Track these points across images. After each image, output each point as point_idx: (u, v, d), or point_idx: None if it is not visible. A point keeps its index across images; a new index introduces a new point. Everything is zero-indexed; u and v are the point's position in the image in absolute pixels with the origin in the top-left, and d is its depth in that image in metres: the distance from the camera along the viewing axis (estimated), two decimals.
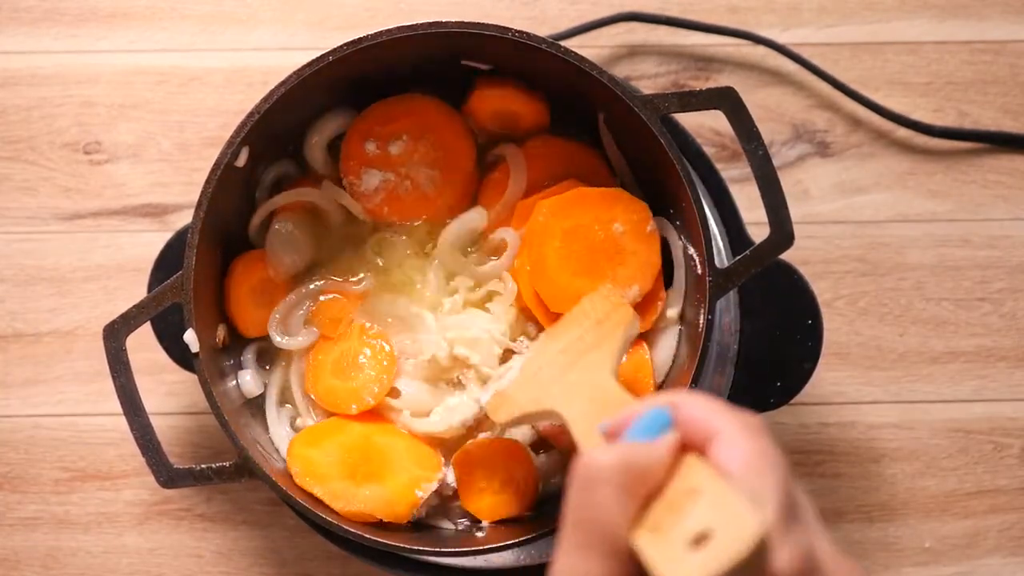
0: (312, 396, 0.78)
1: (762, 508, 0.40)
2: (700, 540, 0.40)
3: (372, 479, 0.74)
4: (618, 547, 0.42)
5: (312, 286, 0.79)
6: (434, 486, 0.75)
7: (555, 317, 0.74)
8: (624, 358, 0.69)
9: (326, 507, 0.73)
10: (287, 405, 0.79)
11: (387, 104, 0.78)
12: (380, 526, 0.74)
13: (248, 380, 0.78)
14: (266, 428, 0.78)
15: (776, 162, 0.88)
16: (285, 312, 0.78)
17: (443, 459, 0.76)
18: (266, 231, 0.79)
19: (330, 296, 0.79)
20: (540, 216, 0.75)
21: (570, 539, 0.43)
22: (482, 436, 0.77)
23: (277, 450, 0.77)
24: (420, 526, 0.76)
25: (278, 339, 0.77)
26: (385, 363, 0.77)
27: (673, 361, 0.77)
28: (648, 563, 0.41)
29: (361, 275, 0.79)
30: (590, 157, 0.79)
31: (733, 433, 0.44)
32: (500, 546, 0.71)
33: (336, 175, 0.80)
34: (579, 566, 0.42)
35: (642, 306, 0.75)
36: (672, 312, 0.76)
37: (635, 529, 0.42)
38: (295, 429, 0.78)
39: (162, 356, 0.79)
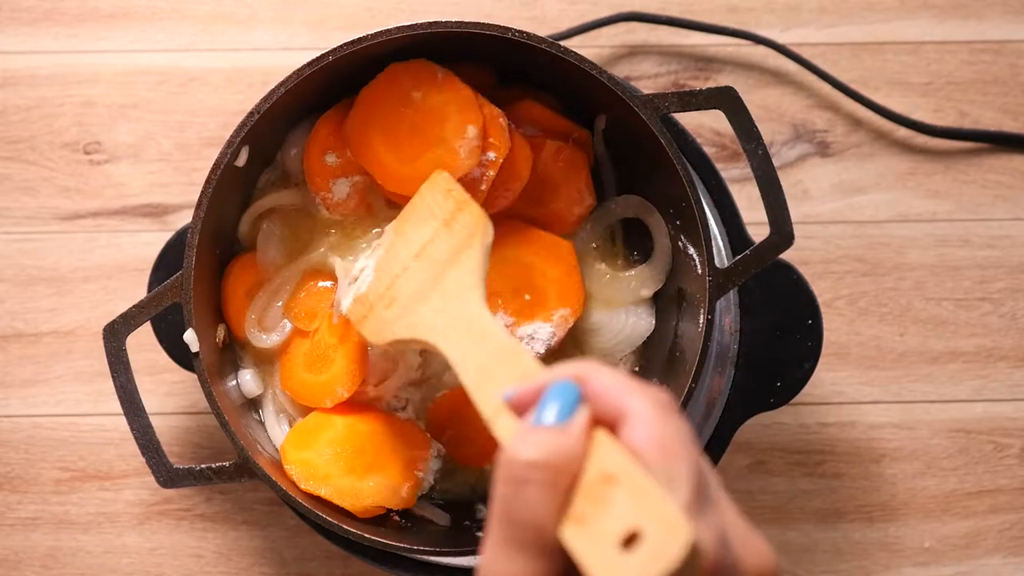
0: (287, 392, 0.77)
1: (679, 495, 0.40)
2: (630, 540, 0.40)
3: (372, 470, 0.74)
4: (547, 543, 0.42)
5: (280, 280, 0.78)
6: (432, 463, 0.75)
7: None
8: (486, 270, 0.66)
9: (335, 508, 0.73)
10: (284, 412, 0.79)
11: (328, 115, 0.78)
12: (380, 525, 0.74)
13: (248, 380, 0.78)
14: (265, 428, 0.78)
15: (776, 162, 0.88)
16: (260, 310, 0.78)
17: (429, 434, 0.77)
18: (256, 232, 0.79)
19: (304, 292, 0.78)
20: None
21: (499, 536, 0.42)
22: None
23: (276, 450, 0.77)
24: (420, 526, 0.77)
25: (254, 337, 0.77)
26: (356, 352, 0.76)
27: (647, 341, 0.77)
28: (581, 564, 0.41)
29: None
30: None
31: (645, 413, 0.43)
32: None
33: None
34: (507, 564, 0.42)
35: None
36: (645, 292, 0.77)
37: (562, 522, 0.42)
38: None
39: (162, 356, 0.79)
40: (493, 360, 0.56)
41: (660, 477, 0.41)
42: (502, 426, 0.50)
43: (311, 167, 0.78)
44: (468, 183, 0.74)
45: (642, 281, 0.78)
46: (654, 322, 0.78)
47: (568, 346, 0.78)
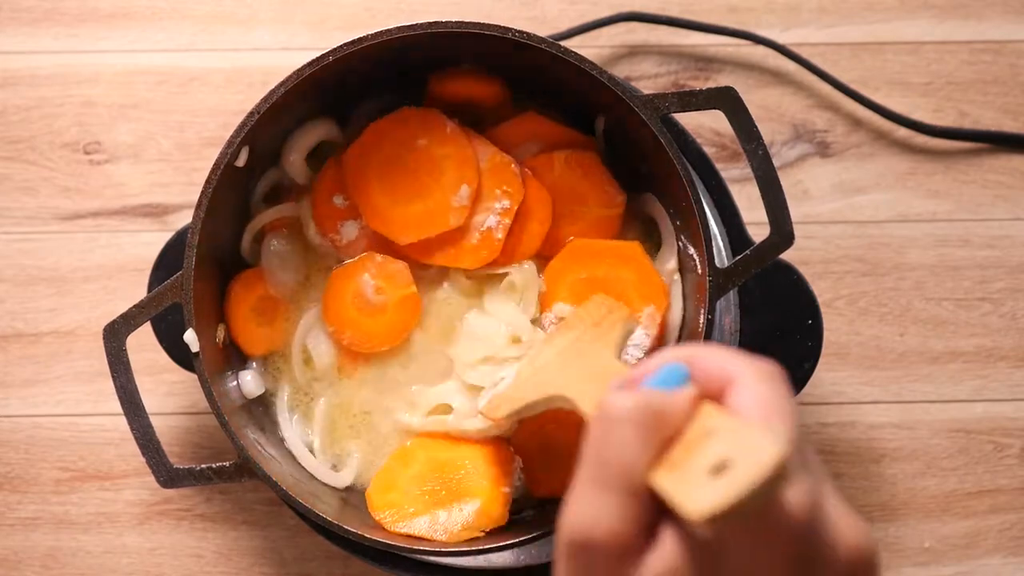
0: (332, 328, 0.77)
1: (778, 438, 0.40)
2: (719, 469, 0.40)
3: (459, 497, 0.74)
4: (634, 485, 0.42)
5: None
6: (518, 477, 0.75)
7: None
8: (623, 347, 0.69)
9: (429, 541, 0.72)
10: (296, 414, 0.79)
11: (336, 158, 0.78)
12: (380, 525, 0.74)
13: (249, 380, 0.78)
14: (263, 429, 0.78)
15: (776, 162, 0.88)
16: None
17: (508, 445, 0.76)
18: (259, 245, 0.79)
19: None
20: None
21: (587, 474, 0.43)
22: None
23: (290, 453, 0.77)
24: None
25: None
26: (410, 308, 0.76)
27: (683, 318, 0.77)
28: (667, 495, 0.41)
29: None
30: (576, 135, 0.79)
31: (749, 379, 0.44)
32: (500, 546, 0.71)
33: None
34: (594, 501, 0.42)
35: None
36: (670, 265, 0.77)
37: (653, 469, 0.42)
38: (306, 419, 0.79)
39: (162, 356, 0.79)
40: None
41: (762, 427, 0.41)
42: None
43: (319, 210, 0.78)
44: (484, 233, 0.75)
45: (664, 258, 0.78)
46: (683, 304, 0.78)
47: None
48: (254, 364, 0.79)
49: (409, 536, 0.73)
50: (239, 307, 0.78)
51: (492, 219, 0.75)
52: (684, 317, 0.77)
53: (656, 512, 0.42)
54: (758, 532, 0.40)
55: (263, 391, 0.79)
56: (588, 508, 0.42)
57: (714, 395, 0.45)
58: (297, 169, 0.79)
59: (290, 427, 0.78)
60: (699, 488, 0.40)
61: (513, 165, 0.75)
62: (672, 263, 0.77)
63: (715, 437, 0.42)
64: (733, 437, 0.41)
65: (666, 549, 0.41)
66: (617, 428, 0.42)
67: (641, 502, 0.42)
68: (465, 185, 0.75)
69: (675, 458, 0.42)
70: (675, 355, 0.46)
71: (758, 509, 0.39)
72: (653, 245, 0.79)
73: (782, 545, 0.40)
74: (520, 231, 0.76)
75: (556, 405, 0.65)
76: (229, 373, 0.78)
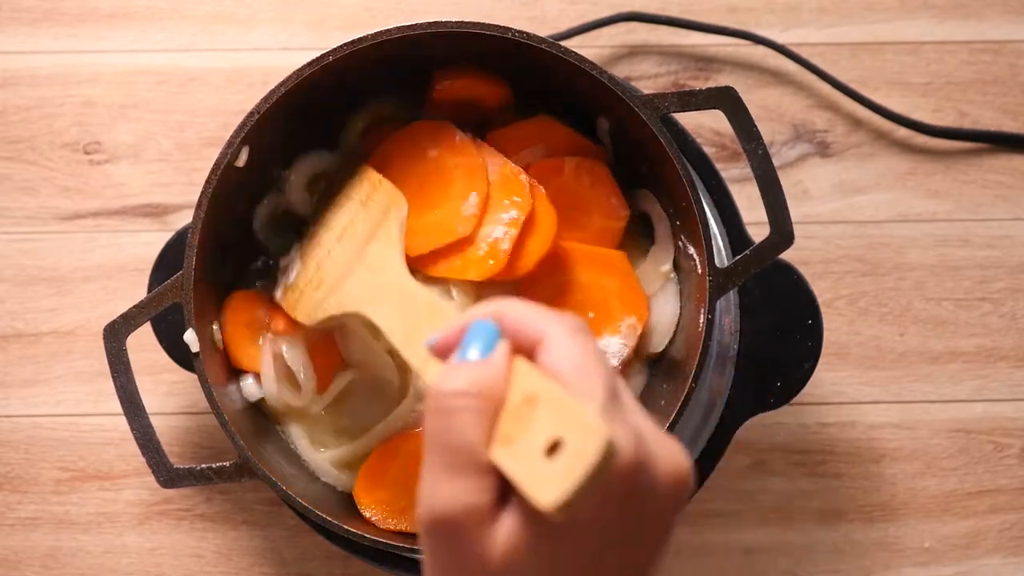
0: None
1: (594, 403, 0.43)
2: (553, 449, 0.42)
3: None
4: (480, 464, 0.44)
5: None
6: None
7: None
8: (403, 240, 0.70)
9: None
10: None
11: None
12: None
13: (250, 384, 0.77)
14: (263, 428, 0.78)
15: (776, 162, 0.88)
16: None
17: None
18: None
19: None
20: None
21: (435, 463, 0.45)
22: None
23: (291, 452, 0.77)
24: None
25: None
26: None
27: (679, 319, 0.77)
28: (512, 478, 0.43)
29: None
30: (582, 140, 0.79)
31: (559, 335, 0.46)
32: None
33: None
34: (447, 485, 0.44)
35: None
36: (665, 267, 0.77)
37: (491, 444, 0.44)
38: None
39: (162, 356, 0.79)
40: (419, 318, 0.60)
41: (576, 391, 0.44)
42: (431, 373, 0.54)
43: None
44: (492, 244, 0.74)
45: (658, 259, 0.78)
46: (679, 305, 0.78)
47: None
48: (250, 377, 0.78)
49: (406, 535, 0.73)
50: (235, 322, 0.77)
51: (499, 230, 0.74)
52: (683, 317, 0.77)
53: (501, 477, 0.45)
54: (598, 491, 0.43)
55: (263, 395, 0.78)
56: (443, 491, 0.44)
57: (525, 350, 0.47)
58: (297, 196, 0.79)
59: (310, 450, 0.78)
60: (539, 471, 0.42)
61: (522, 176, 0.75)
62: (667, 261, 0.77)
63: (540, 408, 0.44)
64: (558, 411, 0.43)
65: (514, 516, 0.44)
66: (454, 416, 0.45)
67: (488, 473, 0.44)
68: (474, 193, 0.74)
69: (507, 431, 0.44)
70: (482, 311, 0.48)
71: (598, 484, 0.42)
72: (649, 241, 0.79)
73: (616, 495, 0.43)
74: (524, 243, 0.75)
75: (361, 323, 0.67)
76: (231, 375, 0.77)
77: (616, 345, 0.75)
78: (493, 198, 0.75)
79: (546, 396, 0.44)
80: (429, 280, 0.75)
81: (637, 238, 0.79)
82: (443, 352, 0.49)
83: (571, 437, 0.42)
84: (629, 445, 0.43)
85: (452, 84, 0.77)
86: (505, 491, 0.45)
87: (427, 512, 0.45)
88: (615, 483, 0.43)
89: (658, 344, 0.77)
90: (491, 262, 0.74)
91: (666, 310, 0.77)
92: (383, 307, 0.64)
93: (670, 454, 0.46)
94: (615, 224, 0.77)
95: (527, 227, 0.75)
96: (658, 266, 0.77)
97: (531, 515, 0.43)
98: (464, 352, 0.47)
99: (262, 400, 0.78)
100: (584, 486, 0.41)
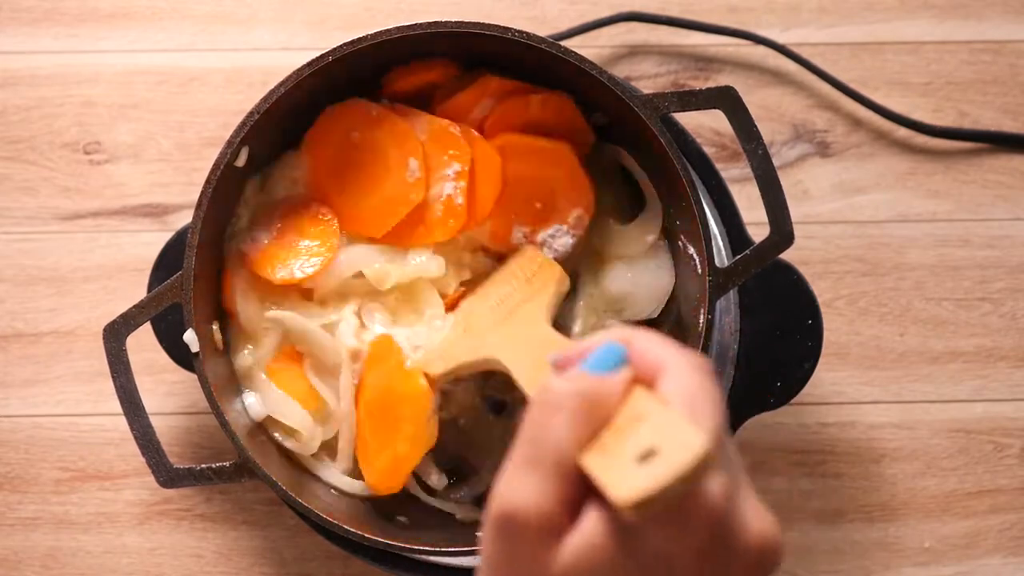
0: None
1: (705, 431, 0.42)
2: (647, 456, 0.42)
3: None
4: (566, 468, 0.44)
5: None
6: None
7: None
8: (555, 310, 0.71)
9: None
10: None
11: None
12: (379, 524, 0.74)
13: (253, 402, 0.77)
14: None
15: (776, 162, 0.88)
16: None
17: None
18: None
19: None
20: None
21: (520, 454, 0.44)
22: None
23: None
24: (420, 522, 0.77)
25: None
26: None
27: (680, 317, 0.77)
28: (595, 479, 0.43)
29: None
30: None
31: (680, 368, 0.46)
32: None
33: None
34: (525, 480, 0.44)
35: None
36: (650, 237, 0.77)
37: (585, 451, 0.44)
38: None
39: (162, 356, 0.79)
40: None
41: (688, 418, 0.43)
42: None
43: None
44: (446, 202, 0.75)
45: (644, 228, 0.78)
46: (674, 276, 0.78)
47: (607, 317, 0.78)
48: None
49: (406, 535, 0.73)
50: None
51: (449, 186, 0.75)
52: (683, 317, 0.77)
53: (583, 491, 0.44)
54: (677, 518, 0.42)
55: (267, 415, 0.78)
56: (519, 486, 0.44)
57: (646, 380, 0.47)
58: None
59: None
60: (626, 474, 0.42)
61: (452, 128, 0.75)
62: (654, 229, 0.78)
63: (645, 424, 0.44)
64: (662, 426, 0.43)
65: (588, 528, 0.43)
66: (555, 413, 0.44)
67: (570, 482, 0.44)
68: (412, 158, 0.75)
69: (606, 442, 0.44)
70: (614, 336, 0.48)
71: (680, 497, 0.41)
72: (620, 213, 0.79)
73: (698, 532, 0.42)
74: (475, 191, 0.76)
75: (490, 367, 0.68)
76: (232, 381, 0.77)
77: (563, 234, 0.76)
78: (432, 157, 0.76)
79: (655, 415, 0.44)
80: (405, 256, 0.76)
81: (616, 201, 0.80)
82: (564, 368, 0.49)
83: (667, 446, 0.41)
84: (722, 485, 0.42)
85: (396, 77, 0.77)
86: (578, 508, 0.44)
87: (499, 505, 0.44)
88: (698, 514, 0.42)
89: (641, 311, 0.78)
90: (451, 221, 0.75)
91: (653, 278, 0.78)
92: (517, 351, 0.65)
93: (762, 520, 0.45)
94: (582, 149, 0.78)
95: (474, 174, 0.75)
96: (644, 233, 0.78)
97: (601, 535, 0.42)
98: (587, 364, 0.47)
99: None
100: (667, 488, 0.40)
